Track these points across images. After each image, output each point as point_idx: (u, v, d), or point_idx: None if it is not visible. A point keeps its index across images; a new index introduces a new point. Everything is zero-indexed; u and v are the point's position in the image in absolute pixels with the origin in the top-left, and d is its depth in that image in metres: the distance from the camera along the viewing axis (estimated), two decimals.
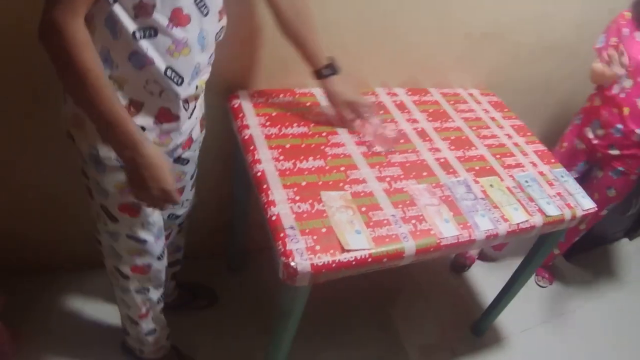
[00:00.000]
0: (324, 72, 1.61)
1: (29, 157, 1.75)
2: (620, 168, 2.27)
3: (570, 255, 2.96)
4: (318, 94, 1.89)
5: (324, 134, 1.70)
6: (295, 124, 1.71)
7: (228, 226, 2.23)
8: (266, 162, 1.52)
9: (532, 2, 2.13)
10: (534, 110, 2.59)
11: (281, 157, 1.55)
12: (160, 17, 1.07)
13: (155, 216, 1.43)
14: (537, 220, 1.63)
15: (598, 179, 2.35)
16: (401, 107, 1.98)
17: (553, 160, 1.96)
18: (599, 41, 2.19)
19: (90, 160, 1.25)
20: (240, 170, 1.69)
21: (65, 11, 0.96)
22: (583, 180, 2.36)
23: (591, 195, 1.92)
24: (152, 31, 1.08)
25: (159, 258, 1.55)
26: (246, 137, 1.61)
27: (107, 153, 1.22)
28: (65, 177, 1.74)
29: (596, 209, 1.82)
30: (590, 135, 2.30)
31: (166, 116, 1.25)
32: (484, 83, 2.34)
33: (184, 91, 1.23)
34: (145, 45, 1.09)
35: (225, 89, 1.79)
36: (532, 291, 2.73)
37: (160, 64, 1.13)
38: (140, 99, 1.19)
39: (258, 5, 1.63)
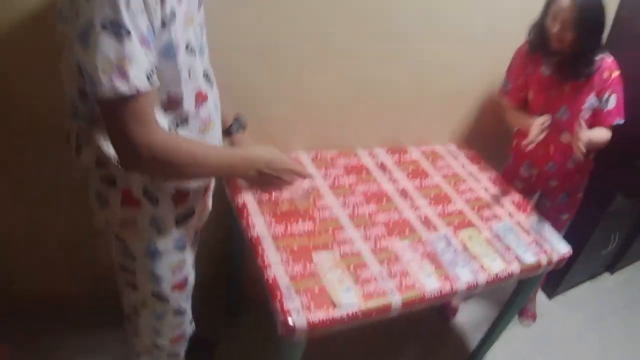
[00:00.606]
0: (232, 129, 1.69)
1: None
2: (565, 193, 2.38)
3: (553, 292, 3.09)
4: (303, 157, 2.09)
5: (311, 199, 1.88)
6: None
7: (225, 279, 2.37)
8: (260, 226, 1.70)
9: (501, 60, 2.32)
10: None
11: (273, 222, 1.73)
12: (188, 104, 1.20)
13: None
14: (515, 268, 1.81)
15: (547, 208, 2.45)
16: (382, 167, 2.18)
17: (529, 209, 2.15)
18: (505, 84, 2.31)
19: (146, 254, 1.36)
20: (235, 229, 1.85)
21: (147, 130, 1.04)
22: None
23: None
24: (183, 119, 1.21)
25: (191, 322, 1.69)
26: (240, 204, 1.78)
27: (165, 243, 1.35)
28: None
29: (571, 252, 2.00)
30: (526, 175, 2.41)
31: (207, 190, 1.43)
32: (461, 137, 2.56)
33: None
34: (182, 134, 1.21)
35: None
36: (518, 330, 2.84)
37: None
38: (184, 186, 1.31)
39: (245, 76, 1.85)
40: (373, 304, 1.51)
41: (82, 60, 1.00)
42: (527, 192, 2.42)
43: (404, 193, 2.04)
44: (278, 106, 2.01)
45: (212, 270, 2.32)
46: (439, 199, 2.07)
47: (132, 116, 1.01)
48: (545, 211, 2.39)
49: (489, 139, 2.64)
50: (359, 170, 2.12)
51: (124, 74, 0.97)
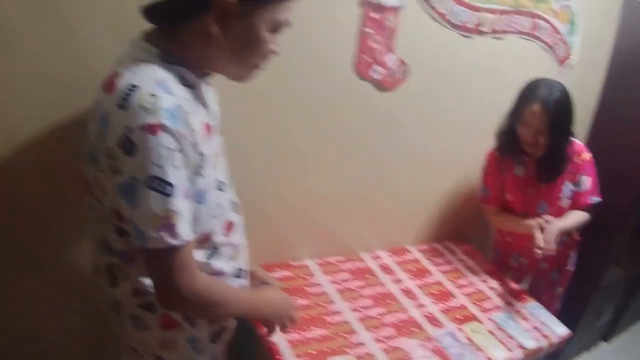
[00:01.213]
0: None
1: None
2: (556, 270, 2.52)
3: None
4: (311, 265, 2.29)
5: (322, 304, 2.05)
6: (296, 297, 2.05)
7: None
8: (277, 334, 1.84)
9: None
10: None
11: (289, 329, 1.88)
12: (219, 237, 1.28)
13: None
14: (518, 354, 1.98)
15: (541, 285, 2.55)
16: (386, 269, 2.38)
17: (525, 297, 2.33)
18: (484, 192, 2.44)
19: None
20: (246, 330, 2.00)
21: (190, 277, 1.12)
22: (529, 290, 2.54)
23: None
24: (216, 250, 1.29)
25: None
26: None
27: (205, 357, 1.43)
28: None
29: (571, 333, 2.18)
30: (515, 265, 2.57)
31: None
32: (457, 234, 2.77)
33: (246, 282, 1.50)
34: (215, 264, 1.30)
35: None
36: None
37: (230, 270, 1.36)
38: None
39: (253, 189, 1.99)
40: None
41: (126, 213, 1.06)
42: (518, 279, 2.55)
43: (408, 293, 2.23)
44: (285, 216, 2.18)
45: None
46: (442, 295, 2.25)
47: (178, 265, 1.09)
48: (539, 289, 2.54)
49: (482, 230, 2.83)
50: (364, 273, 2.31)
51: (171, 228, 1.04)
